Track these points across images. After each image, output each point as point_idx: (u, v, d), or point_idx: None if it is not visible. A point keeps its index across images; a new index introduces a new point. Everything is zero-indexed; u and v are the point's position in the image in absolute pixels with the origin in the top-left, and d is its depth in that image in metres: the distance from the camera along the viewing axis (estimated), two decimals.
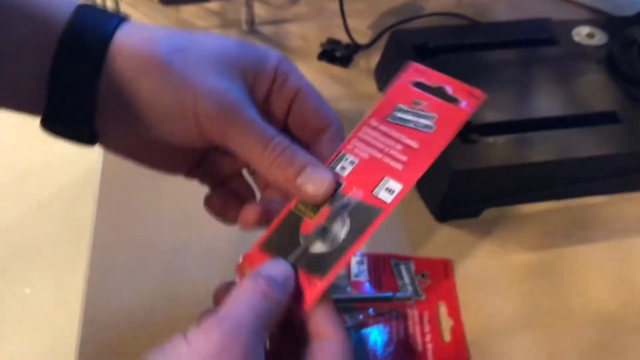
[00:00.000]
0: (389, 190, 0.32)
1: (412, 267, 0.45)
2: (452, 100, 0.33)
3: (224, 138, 0.30)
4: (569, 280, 0.45)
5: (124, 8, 0.73)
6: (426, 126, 0.34)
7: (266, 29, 0.69)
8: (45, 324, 1.21)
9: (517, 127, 0.49)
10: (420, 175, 0.32)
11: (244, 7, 0.67)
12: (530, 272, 0.46)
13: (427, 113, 0.34)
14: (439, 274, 0.45)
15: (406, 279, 0.45)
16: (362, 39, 0.68)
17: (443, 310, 0.43)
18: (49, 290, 1.26)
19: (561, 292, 0.44)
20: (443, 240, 0.48)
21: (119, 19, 0.31)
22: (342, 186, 0.32)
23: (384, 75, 0.60)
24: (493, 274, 0.45)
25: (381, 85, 0.60)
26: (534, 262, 0.46)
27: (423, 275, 0.45)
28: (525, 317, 0.43)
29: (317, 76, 0.63)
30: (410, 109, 0.34)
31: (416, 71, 0.35)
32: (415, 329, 0.42)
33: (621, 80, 0.54)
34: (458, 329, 0.42)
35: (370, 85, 0.61)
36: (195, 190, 0.36)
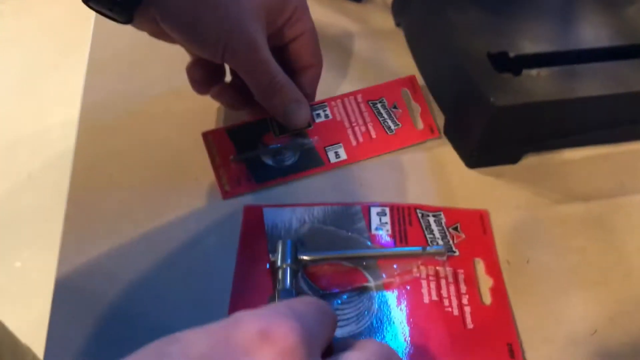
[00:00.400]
0: (337, 154, 0.42)
1: (443, 219, 0.39)
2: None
3: (239, 69, 0.39)
4: (626, 234, 0.38)
5: None
6: (389, 128, 0.43)
7: None
8: (35, 298, 1.15)
9: (562, 59, 0.42)
10: (361, 159, 0.41)
11: None
12: (581, 225, 0.39)
13: (395, 119, 0.43)
14: (474, 227, 0.39)
15: (436, 233, 0.38)
16: None
17: (481, 268, 0.37)
18: (39, 263, 1.20)
19: (619, 246, 0.38)
20: (477, 189, 0.41)
21: None
22: (310, 127, 0.43)
23: (405, 7, 0.53)
24: (537, 228, 0.39)
25: (399, 20, 0.53)
26: (583, 213, 0.40)
27: (456, 229, 0.38)
28: (580, 275, 0.36)
29: (327, 12, 0.55)
30: (388, 108, 0.44)
31: (411, 83, 0.45)
32: (449, 290, 0.36)
33: None
34: (499, 289, 0.36)
35: (387, 21, 0.54)
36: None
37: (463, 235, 0.38)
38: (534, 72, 0.41)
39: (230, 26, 0.36)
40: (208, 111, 0.45)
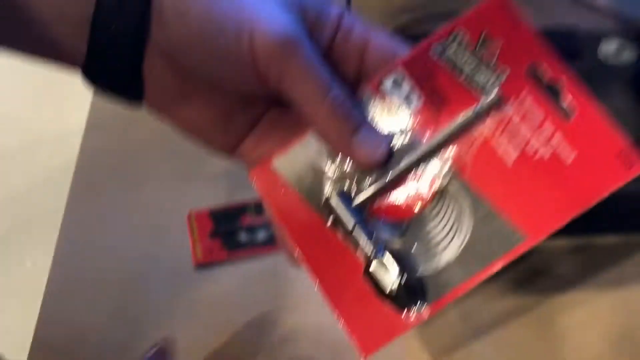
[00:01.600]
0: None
1: (465, 38, 0.29)
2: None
3: (281, 79, 0.27)
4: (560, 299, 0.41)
5: None
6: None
7: None
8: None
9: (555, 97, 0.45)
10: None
11: None
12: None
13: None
14: (501, 20, 0.29)
15: (467, 66, 0.29)
16: None
17: (541, 76, 0.29)
18: (50, 264, 1.25)
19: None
20: None
21: None
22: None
23: None
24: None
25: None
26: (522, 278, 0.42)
27: (484, 42, 0.29)
28: None
29: None
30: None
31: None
32: (523, 131, 0.28)
33: None
34: (576, 90, 0.29)
35: None
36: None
37: (499, 43, 0.29)
38: None
39: (251, 9, 0.26)
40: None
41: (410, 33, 0.60)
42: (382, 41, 0.29)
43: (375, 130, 0.29)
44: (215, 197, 0.45)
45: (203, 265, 0.44)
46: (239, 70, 0.27)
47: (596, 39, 0.55)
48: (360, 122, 0.28)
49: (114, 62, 0.27)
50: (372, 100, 0.29)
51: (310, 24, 0.28)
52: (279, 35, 0.26)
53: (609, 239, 0.46)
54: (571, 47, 0.54)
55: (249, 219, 0.46)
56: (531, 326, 0.40)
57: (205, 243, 0.44)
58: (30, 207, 1.37)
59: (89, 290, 0.42)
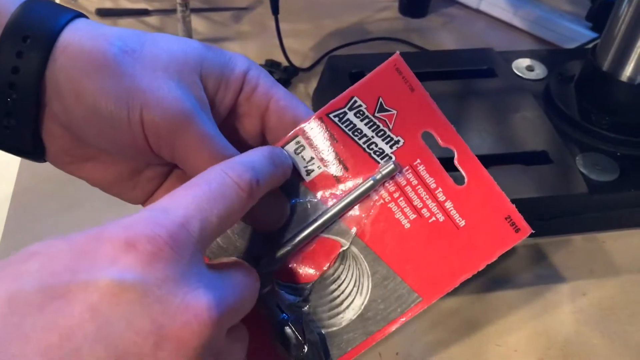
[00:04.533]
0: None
1: (363, 105, 0.30)
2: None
3: (173, 153, 0.28)
4: (489, 329, 0.43)
5: None
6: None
7: None
8: None
9: (446, 163, 0.48)
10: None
11: (180, 22, 0.65)
12: (449, 319, 0.44)
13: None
14: (395, 87, 0.30)
15: (365, 131, 0.30)
16: (303, 61, 0.66)
17: (435, 143, 0.30)
18: None
19: (481, 342, 0.43)
20: None
21: (72, 14, 0.28)
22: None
23: (321, 100, 0.58)
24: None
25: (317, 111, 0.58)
26: (458, 305, 0.45)
27: (381, 108, 0.30)
28: None
29: None
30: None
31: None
32: (420, 196, 0.30)
33: (556, 117, 0.53)
34: (467, 158, 0.30)
35: None
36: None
37: (394, 111, 0.30)
38: None
39: (141, 91, 0.27)
40: None
41: (338, 60, 0.63)
42: (282, 101, 0.30)
43: (275, 194, 0.29)
44: None
45: None
46: (133, 145, 0.28)
47: (510, 57, 0.60)
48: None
49: (13, 130, 0.27)
50: None
51: (214, 84, 0.29)
52: (168, 112, 0.27)
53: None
54: (489, 66, 0.58)
55: None
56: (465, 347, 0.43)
57: None
58: None
59: None
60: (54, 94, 0.27)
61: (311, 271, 0.30)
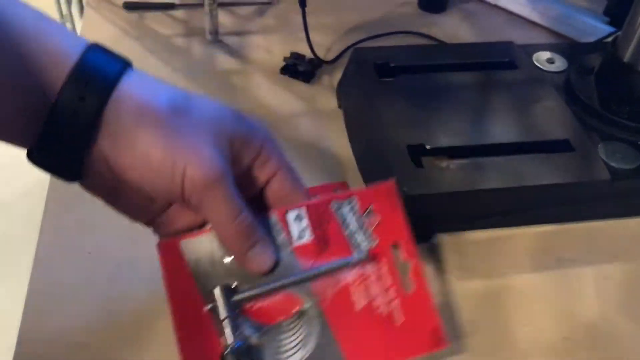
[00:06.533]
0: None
1: (357, 204, 0.38)
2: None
3: (200, 202, 0.33)
4: (516, 311, 0.45)
5: (87, 12, 0.71)
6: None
7: (230, 40, 0.69)
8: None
9: (471, 152, 0.49)
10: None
11: (207, 16, 0.66)
12: (478, 301, 0.45)
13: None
14: (385, 203, 0.39)
15: (353, 225, 0.38)
16: (327, 54, 0.67)
17: (400, 253, 0.38)
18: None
19: (506, 320, 0.44)
20: None
21: (123, 63, 0.32)
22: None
23: (345, 92, 0.60)
24: (440, 301, 0.45)
25: (341, 103, 0.60)
26: (481, 290, 0.46)
27: (369, 213, 0.39)
28: (470, 347, 0.43)
29: (278, 90, 0.62)
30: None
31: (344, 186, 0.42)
32: (376, 288, 0.37)
33: (577, 107, 0.54)
34: (418, 273, 0.38)
35: (332, 102, 0.61)
36: None
37: (378, 217, 0.38)
38: (444, 164, 0.48)
39: (187, 149, 0.32)
40: None
41: (364, 52, 0.65)
42: (288, 173, 0.36)
43: (268, 246, 0.36)
44: None
45: None
46: (169, 190, 0.33)
47: (530, 50, 0.61)
48: (257, 240, 0.35)
49: (58, 157, 0.31)
50: (277, 224, 0.37)
51: (237, 149, 0.34)
52: (206, 171, 0.32)
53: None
54: (510, 58, 0.59)
55: None
56: None
57: None
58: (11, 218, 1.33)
59: (72, 293, 0.43)
60: (107, 136, 0.31)
61: (274, 316, 0.37)
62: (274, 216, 0.37)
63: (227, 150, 0.34)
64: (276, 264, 0.36)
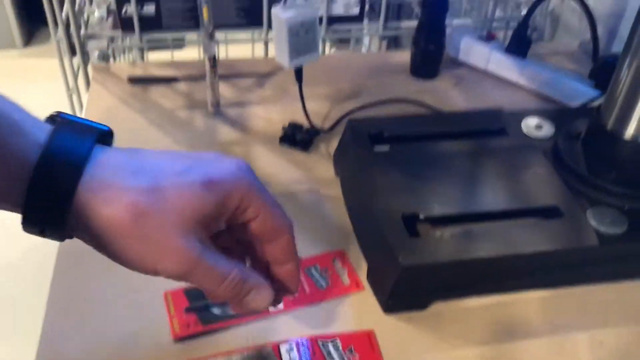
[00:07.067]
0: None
1: (340, 344, 0.47)
2: None
3: (187, 280, 0.35)
4: None
5: (93, 86, 0.75)
6: (320, 285, 0.52)
7: (231, 111, 0.72)
8: None
9: (463, 220, 0.51)
10: (295, 308, 0.50)
11: (209, 89, 0.69)
12: None
13: (327, 279, 0.52)
14: (364, 346, 0.47)
15: (336, 358, 0.46)
16: (324, 122, 0.70)
17: None
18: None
19: None
20: (388, 332, 0.48)
21: (84, 155, 0.33)
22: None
23: (341, 162, 0.62)
24: None
25: (338, 171, 0.62)
26: (476, 357, 0.47)
27: (351, 351, 0.46)
28: None
29: (278, 159, 0.65)
30: (319, 272, 0.53)
31: (341, 255, 0.53)
32: None
33: (565, 173, 0.56)
34: None
35: (329, 170, 0.63)
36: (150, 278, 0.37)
37: (357, 355, 0.46)
38: (438, 233, 0.50)
39: (153, 252, 0.34)
40: None
41: (358, 123, 0.67)
42: (266, 218, 0.38)
43: (263, 289, 0.38)
44: None
45: (182, 338, 0.47)
46: (148, 273, 0.35)
47: (519, 117, 0.64)
48: (250, 289, 0.37)
49: (43, 224, 0.33)
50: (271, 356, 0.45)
51: (212, 215, 0.35)
52: (177, 267, 0.34)
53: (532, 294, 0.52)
54: (499, 126, 0.62)
55: None
56: None
57: (181, 318, 0.48)
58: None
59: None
60: (83, 230, 0.33)
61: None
62: (268, 348, 0.46)
63: (199, 227, 0.35)
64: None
